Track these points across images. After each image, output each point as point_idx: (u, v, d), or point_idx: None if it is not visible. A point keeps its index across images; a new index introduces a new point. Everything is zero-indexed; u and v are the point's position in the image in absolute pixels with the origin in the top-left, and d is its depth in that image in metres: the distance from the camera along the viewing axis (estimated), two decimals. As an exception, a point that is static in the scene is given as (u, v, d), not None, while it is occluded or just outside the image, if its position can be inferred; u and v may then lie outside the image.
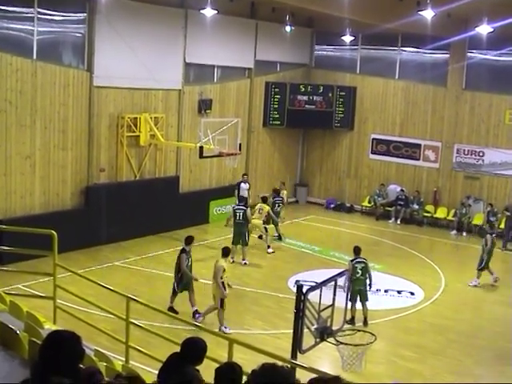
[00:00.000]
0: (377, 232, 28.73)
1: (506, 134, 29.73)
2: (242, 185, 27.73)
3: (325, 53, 34.24)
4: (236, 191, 27.64)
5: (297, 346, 9.69)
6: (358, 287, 17.52)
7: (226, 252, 17.41)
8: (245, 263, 22.69)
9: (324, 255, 24.19)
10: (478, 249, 27.36)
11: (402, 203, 31.12)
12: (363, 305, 17.53)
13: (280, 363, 5.32)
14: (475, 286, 22.16)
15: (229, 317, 17.48)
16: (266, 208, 24.50)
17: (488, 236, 22.80)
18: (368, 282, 17.67)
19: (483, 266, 22.44)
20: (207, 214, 27.97)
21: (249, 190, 27.75)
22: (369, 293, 17.75)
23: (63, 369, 5.01)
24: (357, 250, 18.14)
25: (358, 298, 17.63)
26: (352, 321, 17.11)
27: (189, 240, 18.17)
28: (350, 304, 16.08)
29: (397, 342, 16.52)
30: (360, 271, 17.64)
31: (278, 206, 25.93)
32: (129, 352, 11.78)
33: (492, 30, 23.55)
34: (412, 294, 20.45)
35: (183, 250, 17.93)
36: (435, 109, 31.22)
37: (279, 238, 25.78)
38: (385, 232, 29.03)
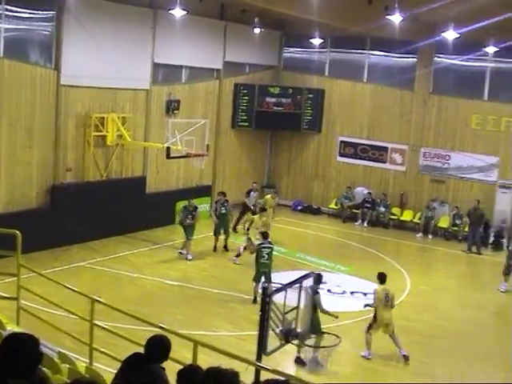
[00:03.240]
0: (343, 234, 28.85)
1: (472, 138, 30.03)
2: (252, 193, 27.74)
3: (294, 55, 34.32)
4: (246, 200, 27.85)
5: (261, 348, 9.70)
6: (262, 269, 18.96)
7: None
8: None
9: (290, 257, 24.25)
10: (443, 251, 27.79)
11: (368, 206, 31.29)
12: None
13: (224, 366, 5.33)
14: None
15: (195, 318, 17.51)
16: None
17: None
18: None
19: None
20: (174, 215, 27.88)
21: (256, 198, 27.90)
22: (335, 295, 17.82)
23: (21, 371, 4.97)
24: (265, 235, 19.55)
25: (263, 279, 18.80)
26: (255, 301, 18.31)
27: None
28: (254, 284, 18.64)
29: (362, 344, 16.56)
30: (266, 255, 19.01)
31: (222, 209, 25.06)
32: (93, 354, 11.70)
33: (458, 35, 23.75)
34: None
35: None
36: (402, 112, 31.44)
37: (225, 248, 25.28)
38: (351, 234, 29.16)
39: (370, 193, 31.60)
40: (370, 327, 15.97)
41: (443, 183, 30.80)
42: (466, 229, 28.79)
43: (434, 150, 30.82)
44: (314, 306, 14.17)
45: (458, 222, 29.60)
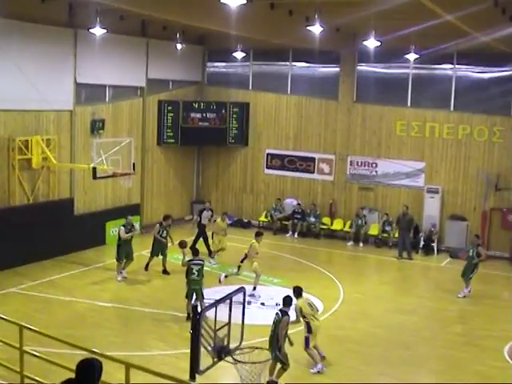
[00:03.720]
0: (275, 246, 28.84)
1: (398, 144, 30.43)
2: (205, 212, 27.36)
3: (217, 69, 34.35)
4: (197, 219, 27.29)
5: (194, 367, 9.59)
6: (193, 286, 18.84)
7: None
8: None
9: (222, 272, 24.10)
10: (374, 258, 28.03)
11: (298, 217, 31.40)
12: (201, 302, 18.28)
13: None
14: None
15: (129, 339, 17.29)
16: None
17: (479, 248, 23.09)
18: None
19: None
20: (104, 235, 27.56)
21: (211, 218, 27.41)
22: (268, 308, 17.76)
23: None
24: (195, 252, 19.64)
25: (194, 297, 18.81)
26: (188, 318, 18.00)
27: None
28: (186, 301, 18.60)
29: (297, 356, 16.55)
30: (196, 272, 18.90)
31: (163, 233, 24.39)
32: (24, 381, 11.44)
33: (379, 43, 24.03)
34: (311, 306, 20.50)
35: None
36: (328, 122, 31.70)
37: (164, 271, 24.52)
38: (283, 246, 29.19)
39: (299, 204, 31.73)
40: (307, 342, 15.93)
41: (371, 190, 31.11)
42: (396, 235, 29.11)
43: (361, 158, 31.14)
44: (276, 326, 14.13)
45: (387, 228, 29.93)
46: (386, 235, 30.03)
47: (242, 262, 21.79)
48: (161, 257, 24.03)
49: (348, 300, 21.71)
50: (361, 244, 30.10)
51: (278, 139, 32.77)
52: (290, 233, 31.41)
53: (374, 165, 30.89)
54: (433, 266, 27.95)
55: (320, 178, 32.04)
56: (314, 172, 32.10)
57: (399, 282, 25.52)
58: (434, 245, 29.08)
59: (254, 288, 21.61)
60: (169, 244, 24.13)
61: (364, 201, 31.22)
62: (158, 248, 24.00)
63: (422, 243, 29.15)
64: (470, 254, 23.10)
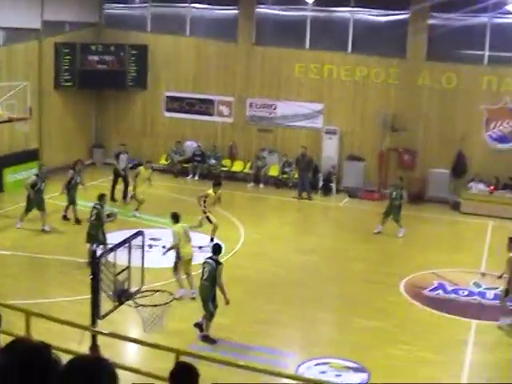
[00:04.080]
0: (176, 189, 28.88)
1: (297, 86, 30.71)
2: (122, 156, 26.83)
3: (115, 11, 33.68)
4: (116, 163, 26.89)
5: (95, 312, 9.66)
6: (90, 231, 18.82)
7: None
8: (44, 229, 22.21)
9: (124, 216, 24.09)
10: (274, 199, 28.43)
11: (199, 159, 31.48)
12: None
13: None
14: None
15: (31, 287, 17.20)
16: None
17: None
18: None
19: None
20: (2, 182, 27.05)
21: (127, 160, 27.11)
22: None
23: None
24: (100, 197, 19.47)
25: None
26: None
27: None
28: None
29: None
30: (94, 215, 18.93)
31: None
32: None
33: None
34: (213, 248, 20.71)
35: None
36: (227, 64, 31.65)
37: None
38: (184, 189, 29.22)
39: (199, 146, 31.78)
40: (176, 267, 16.76)
41: (271, 132, 31.38)
42: (296, 176, 29.55)
43: (260, 101, 31.30)
44: (214, 277, 14.02)
45: (287, 169, 30.35)
46: (285, 176, 30.45)
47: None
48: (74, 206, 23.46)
49: (249, 241, 22.01)
50: (261, 185, 30.44)
51: (177, 82, 32.56)
52: (191, 175, 31.48)
53: (273, 107, 31.12)
54: (332, 205, 28.55)
55: (220, 121, 32.10)
56: (213, 114, 32.11)
57: (299, 222, 26.02)
58: (333, 185, 29.67)
59: (212, 239, 21.09)
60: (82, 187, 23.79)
61: (264, 142, 31.48)
62: (73, 195, 23.28)
63: (321, 183, 29.71)
64: (394, 195, 23.96)
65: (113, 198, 26.04)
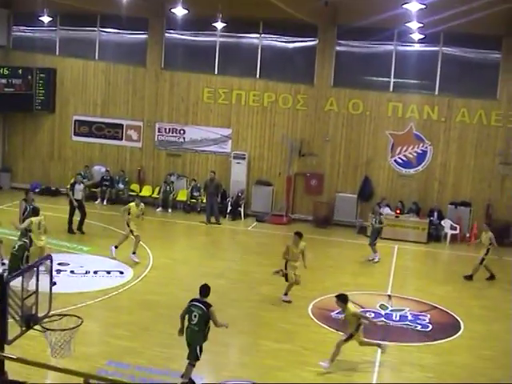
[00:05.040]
0: (84, 214, 28.52)
1: (205, 111, 30.87)
2: (77, 186, 25.95)
3: (23, 34, 33.29)
4: (71, 193, 25.80)
5: (3, 337, 9.50)
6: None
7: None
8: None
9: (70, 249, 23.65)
10: (183, 224, 28.44)
11: (107, 183, 31.27)
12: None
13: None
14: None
15: None
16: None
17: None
18: None
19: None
20: None
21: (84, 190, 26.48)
22: (78, 276, 17.71)
23: None
24: None
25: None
26: None
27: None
28: None
29: (109, 322, 16.66)
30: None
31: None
32: None
33: (187, 11, 24.26)
34: (121, 273, 20.58)
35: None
36: (136, 89, 31.63)
37: None
38: (92, 213, 28.71)
39: (107, 170, 31.57)
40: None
41: (179, 157, 31.42)
42: (204, 200, 29.61)
43: (169, 125, 31.36)
44: (206, 321, 13.27)
45: (196, 194, 30.42)
46: (194, 201, 30.52)
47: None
48: None
49: (157, 265, 21.90)
50: (169, 210, 30.41)
51: (85, 106, 32.34)
52: (99, 200, 31.21)
53: (181, 131, 31.20)
54: (240, 230, 28.72)
55: (128, 145, 32.00)
56: (122, 139, 31.99)
57: (208, 247, 26.04)
58: (241, 209, 29.86)
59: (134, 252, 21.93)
60: None
61: (172, 167, 31.51)
62: None
63: (229, 208, 29.85)
64: (373, 221, 24.65)
65: (70, 230, 25.40)
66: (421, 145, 29.60)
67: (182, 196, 30.89)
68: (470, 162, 29.41)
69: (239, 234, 28.45)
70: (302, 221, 29.58)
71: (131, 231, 22.26)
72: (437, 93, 29.51)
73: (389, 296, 20.10)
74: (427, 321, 18.43)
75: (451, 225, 28.62)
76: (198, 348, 13.22)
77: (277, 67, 30.59)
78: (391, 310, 18.98)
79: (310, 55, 30.08)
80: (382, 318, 18.23)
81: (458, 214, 29.01)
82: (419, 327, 17.94)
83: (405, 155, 29.72)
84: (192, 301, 13.52)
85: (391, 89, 29.76)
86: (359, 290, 20.34)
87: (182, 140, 31.26)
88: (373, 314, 18.40)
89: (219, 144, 30.96)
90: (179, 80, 31.12)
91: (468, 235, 28.76)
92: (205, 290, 13.69)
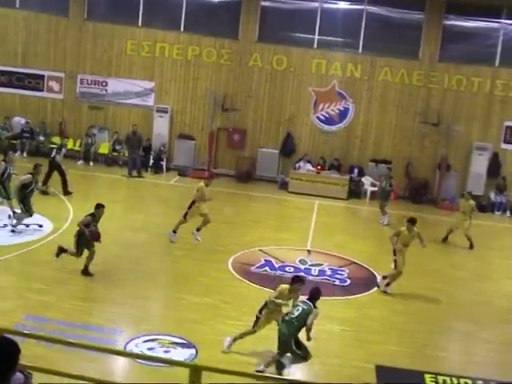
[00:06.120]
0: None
1: (128, 64, 30.50)
2: (63, 150, 25.47)
3: None
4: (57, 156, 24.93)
5: None
6: None
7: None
8: None
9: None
10: (105, 177, 28.21)
11: (27, 135, 30.70)
12: None
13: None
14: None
15: None
16: None
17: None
18: None
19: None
20: None
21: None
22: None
23: None
24: None
25: None
26: None
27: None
28: None
29: (25, 276, 16.47)
30: None
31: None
32: None
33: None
34: (40, 226, 20.30)
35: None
36: (58, 39, 31.03)
37: None
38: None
39: (28, 122, 31.00)
40: None
41: (101, 109, 31.04)
42: (126, 154, 29.40)
43: (91, 77, 30.90)
44: (305, 318, 12.57)
45: (117, 147, 30.17)
46: (116, 154, 30.27)
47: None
48: None
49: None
50: (91, 163, 30.11)
51: (5, 56, 31.50)
52: (19, 152, 30.62)
53: (104, 83, 30.81)
54: (162, 183, 28.66)
55: (49, 96, 31.43)
56: (43, 90, 31.40)
57: (129, 200, 25.93)
58: (163, 163, 29.76)
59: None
60: None
61: (94, 120, 31.13)
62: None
63: (151, 162, 29.72)
64: (383, 184, 25.39)
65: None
66: (343, 102, 29.91)
67: (104, 149, 30.60)
68: (391, 121, 29.88)
69: (161, 187, 28.38)
70: (224, 175, 29.65)
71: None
72: (360, 51, 29.78)
73: (308, 251, 20.42)
74: (345, 275, 18.78)
75: (371, 182, 29.08)
76: (293, 341, 12.54)
77: (201, 21, 30.38)
78: (310, 265, 19.27)
79: (235, 10, 29.94)
80: (302, 273, 18.50)
81: (379, 171, 29.46)
82: (337, 282, 18.28)
83: (327, 112, 29.99)
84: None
85: (315, 46, 29.89)
86: (279, 245, 20.60)
87: (104, 92, 30.88)
88: (292, 269, 18.68)
89: (142, 97, 30.70)
90: (102, 31, 30.62)
91: (387, 192, 29.27)
92: (315, 293, 13.06)
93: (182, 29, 30.25)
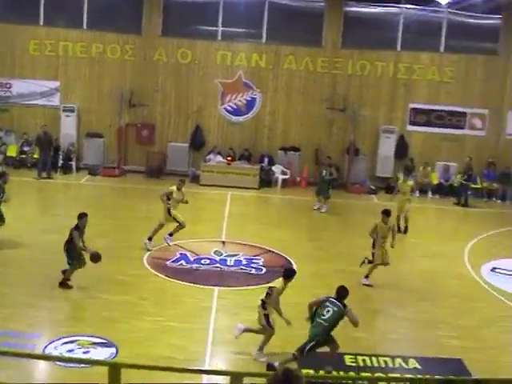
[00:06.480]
0: None
1: (32, 64, 30.07)
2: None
3: None
4: None
5: None
6: None
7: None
8: None
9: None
10: (14, 181, 27.64)
11: None
12: None
13: None
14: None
15: None
16: None
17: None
18: None
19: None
20: None
21: None
22: None
23: None
24: None
25: None
26: None
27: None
28: None
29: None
30: None
31: None
32: None
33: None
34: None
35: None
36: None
37: None
38: None
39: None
40: None
41: (7, 112, 30.52)
42: (36, 155, 29.01)
43: (-5, 79, 30.39)
44: (337, 319, 12.63)
45: (26, 149, 29.72)
46: (24, 156, 29.82)
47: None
48: None
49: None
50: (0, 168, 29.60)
51: None
52: None
53: (7, 85, 30.29)
54: (72, 183, 28.40)
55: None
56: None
57: (40, 202, 25.63)
58: (73, 163, 29.49)
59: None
60: None
61: (0, 122, 30.59)
62: None
63: (60, 162, 29.40)
64: (323, 174, 25.70)
65: None
66: (250, 92, 30.17)
67: (12, 152, 30.07)
68: (297, 108, 30.28)
69: (71, 187, 28.11)
70: (135, 172, 29.56)
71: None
72: (264, 41, 30.06)
73: (223, 242, 20.58)
74: (261, 264, 19.00)
75: (282, 170, 29.45)
76: (313, 343, 12.59)
77: (104, 18, 30.12)
78: (225, 256, 19.43)
79: (137, 5, 29.84)
80: (218, 264, 18.66)
81: (288, 159, 29.87)
82: (253, 271, 18.48)
83: (235, 103, 30.21)
84: (329, 297, 12.93)
85: (219, 38, 30.04)
86: (194, 238, 20.69)
87: (8, 94, 30.35)
88: (208, 261, 18.82)
89: (47, 97, 30.33)
90: (3, 31, 30.00)
91: (298, 179, 29.70)
92: (342, 292, 12.99)
93: (84, 26, 29.97)
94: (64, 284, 16.39)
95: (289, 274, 13.81)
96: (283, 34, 30.16)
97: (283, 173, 29.41)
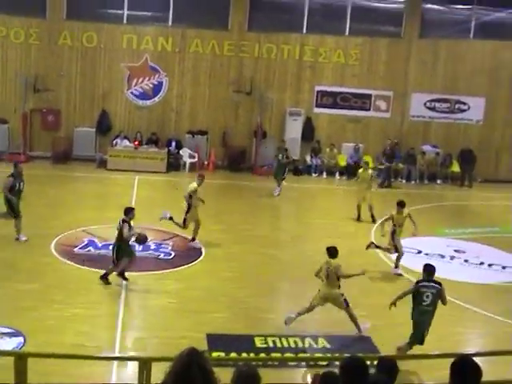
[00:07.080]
0: None
1: None
2: None
3: None
4: None
5: None
6: None
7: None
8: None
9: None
10: None
11: None
12: None
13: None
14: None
15: None
16: None
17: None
18: None
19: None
20: None
21: None
22: None
23: None
24: None
25: None
26: None
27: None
28: None
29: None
30: None
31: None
32: None
33: None
34: None
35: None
36: None
37: None
38: None
39: None
40: None
41: None
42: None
43: None
44: (437, 300, 12.55)
45: None
46: None
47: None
48: None
49: None
50: None
51: None
52: None
53: None
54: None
55: None
56: None
57: None
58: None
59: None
60: None
61: None
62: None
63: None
64: (280, 157, 26.15)
65: None
66: (156, 76, 30.11)
67: None
68: (204, 92, 30.36)
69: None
70: (41, 158, 29.16)
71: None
72: (170, 24, 29.99)
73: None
74: (170, 248, 19.11)
75: (189, 153, 29.51)
76: (426, 331, 12.60)
77: (7, 1, 29.48)
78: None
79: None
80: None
81: (196, 143, 29.94)
82: (162, 255, 18.59)
83: (141, 87, 30.10)
84: (419, 282, 12.84)
85: (125, 21, 29.82)
86: (101, 224, 20.58)
87: None
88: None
89: None
90: None
91: (206, 162, 29.81)
92: (430, 269, 12.87)
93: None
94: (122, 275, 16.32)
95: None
96: (189, 18, 30.11)
97: (191, 156, 29.47)
